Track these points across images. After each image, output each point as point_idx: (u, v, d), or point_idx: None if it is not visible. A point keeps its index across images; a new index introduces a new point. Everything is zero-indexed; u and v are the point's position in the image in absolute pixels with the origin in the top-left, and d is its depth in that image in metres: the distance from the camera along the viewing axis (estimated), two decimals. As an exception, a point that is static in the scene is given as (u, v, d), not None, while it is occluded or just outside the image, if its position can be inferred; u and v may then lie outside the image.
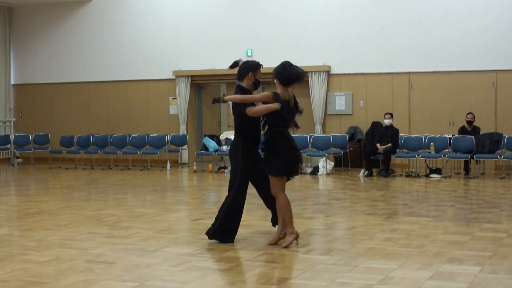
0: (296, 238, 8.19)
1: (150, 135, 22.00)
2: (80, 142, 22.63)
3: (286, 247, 8.00)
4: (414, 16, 20.24)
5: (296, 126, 8.80)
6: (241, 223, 8.66)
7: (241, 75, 8.92)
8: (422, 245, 8.06)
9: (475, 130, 18.51)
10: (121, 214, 10.99)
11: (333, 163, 19.44)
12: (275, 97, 8.37)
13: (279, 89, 8.56)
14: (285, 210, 8.24)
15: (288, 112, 8.47)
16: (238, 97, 8.52)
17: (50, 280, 6.46)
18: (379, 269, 6.89)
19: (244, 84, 8.85)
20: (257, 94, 8.59)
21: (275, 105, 8.29)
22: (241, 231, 9.07)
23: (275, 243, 8.19)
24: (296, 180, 17.39)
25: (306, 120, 21.64)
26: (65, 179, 18.14)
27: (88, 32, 24.11)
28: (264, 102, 8.42)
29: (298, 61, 21.35)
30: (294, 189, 15.58)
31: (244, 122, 8.54)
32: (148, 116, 23.40)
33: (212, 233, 8.36)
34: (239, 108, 8.50)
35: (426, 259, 7.29)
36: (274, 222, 8.78)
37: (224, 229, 8.34)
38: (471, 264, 7.03)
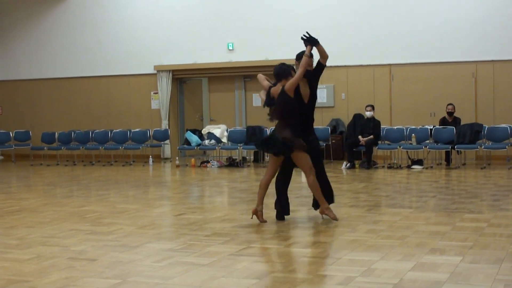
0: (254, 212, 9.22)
1: (132, 130, 21.95)
2: (62, 138, 22.55)
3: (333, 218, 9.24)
4: (394, 7, 20.28)
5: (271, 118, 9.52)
6: (223, 217, 8.97)
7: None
8: (404, 236, 8.08)
9: (455, 121, 18.59)
10: (103, 210, 10.95)
11: (314, 156, 19.44)
12: (268, 91, 9.47)
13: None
14: (317, 188, 9.31)
15: (269, 105, 9.39)
16: (260, 79, 9.85)
17: (32, 278, 6.43)
18: (362, 261, 6.90)
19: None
20: (265, 82, 9.70)
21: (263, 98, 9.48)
22: (224, 225, 9.09)
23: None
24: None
25: (288, 113, 21.66)
26: (46, 176, 18.06)
27: (69, 27, 23.99)
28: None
29: (280, 54, 21.51)
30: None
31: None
32: (129, 111, 23.34)
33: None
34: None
35: (408, 250, 7.30)
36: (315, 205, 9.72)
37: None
38: (452, 254, 7.05)
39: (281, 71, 9.43)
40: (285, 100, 9.19)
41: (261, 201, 9.28)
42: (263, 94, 9.55)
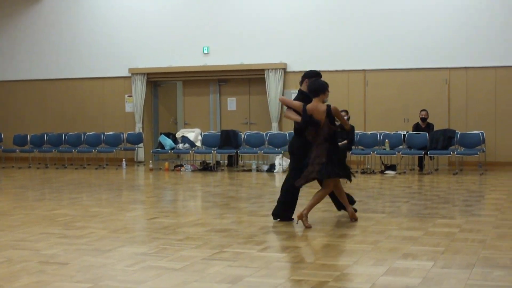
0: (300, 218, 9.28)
1: (105, 133, 21.87)
2: (34, 140, 22.39)
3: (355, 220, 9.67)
4: (369, 14, 20.36)
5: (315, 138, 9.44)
6: (196, 222, 9.21)
7: (301, 82, 9.90)
8: (376, 241, 8.10)
9: (428, 127, 18.70)
10: (76, 213, 10.88)
11: (289, 160, 19.43)
12: (303, 115, 9.34)
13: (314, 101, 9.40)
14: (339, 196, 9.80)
15: (313, 126, 9.31)
16: (284, 99, 10.16)
17: (2, 283, 6.36)
18: (334, 266, 6.91)
19: (303, 88, 9.78)
20: (295, 102, 9.59)
21: (298, 119, 9.40)
22: (197, 230, 9.06)
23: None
24: (253, 178, 17.42)
25: (263, 117, 21.70)
26: (18, 178, 17.93)
27: (44, 29, 23.85)
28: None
29: (255, 59, 21.55)
30: (250, 186, 15.59)
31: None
32: (103, 114, 23.23)
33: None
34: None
35: (381, 255, 7.32)
36: (339, 206, 10.21)
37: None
38: (424, 259, 7.07)
39: (320, 87, 9.38)
40: (332, 122, 9.34)
41: (310, 208, 9.38)
42: (292, 114, 9.52)
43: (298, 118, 9.39)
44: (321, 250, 7.79)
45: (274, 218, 9.85)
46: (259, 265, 6.95)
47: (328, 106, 9.30)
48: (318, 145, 9.27)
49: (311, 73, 9.88)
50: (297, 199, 9.94)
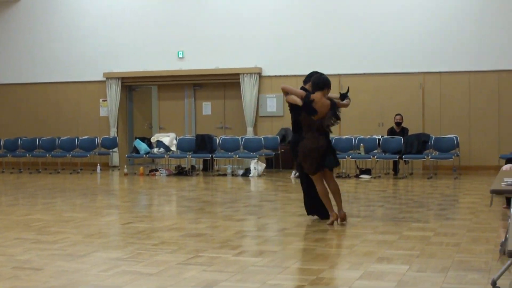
0: (334, 219, 9.71)
1: (80, 138, 21.74)
2: (8, 145, 22.22)
3: (329, 225, 9.64)
4: (343, 18, 20.43)
5: (321, 128, 9.67)
6: (171, 226, 9.28)
7: (305, 81, 10.18)
8: (352, 245, 8.11)
9: (403, 131, 18.78)
10: (50, 219, 10.81)
11: (265, 165, 19.46)
12: (305, 96, 9.55)
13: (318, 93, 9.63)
14: (322, 199, 9.83)
15: (309, 111, 9.49)
16: (287, 87, 9.95)
17: (-25, 288, 6.31)
18: (310, 270, 6.90)
19: (307, 87, 10.04)
20: (296, 89, 9.94)
21: (299, 101, 9.53)
22: (172, 234, 9.03)
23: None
24: (228, 182, 17.39)
25: (238, 122, 21.69)
26: (-8, 183, 17.81)
27: (16, 32, 23.70)
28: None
29: (230, 63, 21.55)
30: (226, 191, 15.57)
31: (297, 119, 9.89)
32: (78, 119, 23.11)
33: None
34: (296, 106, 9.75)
35: (356, 259, 7.33)
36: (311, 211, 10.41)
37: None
38: (399, 263, 7.09)
39: (326, 81, 9.68)
40: (335, 114, 9.66)
41: (332, 207, 9.85)
42: (294, 97, 9.67)
43: (299, 101, 9.54)
44: (297, 254, 7.79)
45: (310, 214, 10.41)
46: (234, 269, 6.93)
47: (332, 100, 9.73)
48: (316, 135, 9.61)
49: (317, 73, 10.13)
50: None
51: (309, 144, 9.52)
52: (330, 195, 9.95)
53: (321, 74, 9.94)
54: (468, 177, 17.48)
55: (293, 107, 9.92)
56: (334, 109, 9.64)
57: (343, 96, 10.20)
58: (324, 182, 9.84)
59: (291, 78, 20.31)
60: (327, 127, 9.58)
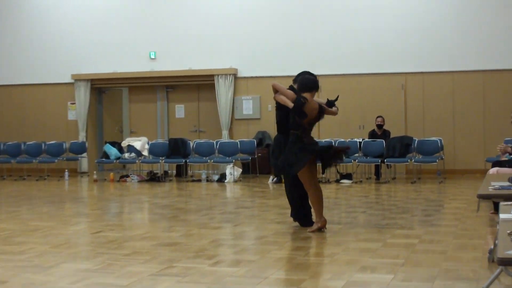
0: (322, 226, 9.60)
1: (46, 143, 21.58)
2: (-30, 151, 22.04)
3: (311, 232, 9.55)
4: (322, 17, 20.44)
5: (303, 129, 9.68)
6: (144, 235, 9.25)
7: (295, 80, 10.14)
8: (333, 254, 8.07)
9: (385, 134, 18.80)
10: (15, 228, 10.68)
11: (241, 170, 19.42)
12: (296, 98, 9.52)
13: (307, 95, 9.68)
14: (312, 203, 9.77)
15: (299, 115, 9.47)
16: (278, 85, 9.82)
17: None
18: (290, 280, 6.85)
19: (296, 87, 9.99)
20: (287, 90, 9.80)
21: (290, 104, 9.48)
22: (144, 244, 8.95)
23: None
24: (203, 188, 17.33)
25: (213, 125, 21.64)
26: (-46, 191, 17.64)
27: (-21, 33, 23.52)
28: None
29: (204, 64, 21.45)
30: (200, 197, 15.51)
31: (283, 119, 9.93)
32: (45, 123, 22.95)
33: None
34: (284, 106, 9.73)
35: (338, 268, 7.29)
36: (294, 217, 10.31)
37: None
38: (383, 272, 7.05)
39: (314, 83, 9.81)
40: (319, 119, 9.90)
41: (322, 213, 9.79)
42: (284, 97, 9.65)
43: (289, 103, 9.50)
44: (276, 263, 7.73)
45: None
46: (210, 280, 6.87)
47: (321, 104, 9.81)
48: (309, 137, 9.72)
49: (308, 73, 10.23)
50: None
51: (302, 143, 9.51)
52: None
53: (309, 74, 10.02)
54: (453, 182, 17.53)
55: (280, 106, 9.90)
56: (322, 112, 9.76)
57: (331, 103, 10.17)
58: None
59: (267, 79, 20.25)
60: (335, 166, 10.10)
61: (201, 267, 7.48)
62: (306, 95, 9.58)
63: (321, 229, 9.59)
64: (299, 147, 9.47)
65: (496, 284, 6.13)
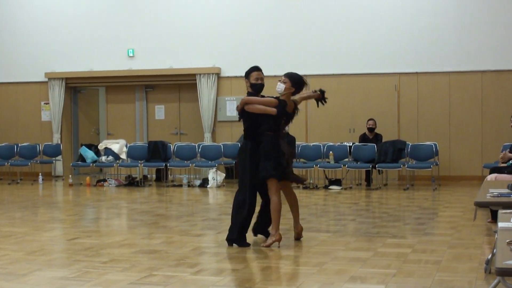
0: (278, 240, 9.23)
1: (19, 145, 21.54)
2: None
3: (266, 246, 9.22)
4: (310, 16, 20.49)
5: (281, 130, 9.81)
6: (122, 242, 9.36)
7: (248, 76, 10.03)
8: (321, 263, 8.12)
9: (376, 138, 18.87)
10: (-14, 234, 10.72)
11: (224, 175, 19.44)
12: (279, 103, 9.55)
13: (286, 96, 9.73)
14: (274, 212, 9.32)
15: (285, 116, 9.68)
16: (245, 99, 9.69)
17: None
18: (276, 290, 6.92)
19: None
20: (264, 98, 9.75)
21: (272, 110, 9.47)
22: (123, 251, 9.00)
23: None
24: (184, 194, 17.36)
25: (194, 127, 21.67)
26: None
27: None
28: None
29: (185, 63, 21.45)
30: (182, 203, 15.54)
31: (252, 124, 9.65)
32: (17, 124, 22.92)
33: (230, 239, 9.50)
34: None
35: (326, 278, 7.35)
36: (255, 231, 9.96)
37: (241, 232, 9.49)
38: (374, 283, 7.12)
39: (303, 81, 9.95)
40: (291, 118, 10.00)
41: (279, 226, 9.46)
42: (268, 108, 9.56)
43: (270, 110, 9.47)
44: (261, 273, 7.79)
45: (229, 244, 9.52)
46: (193, 290, 6.93)
47: (296, 103, 9.89)
48: (282, 141, 9.64)
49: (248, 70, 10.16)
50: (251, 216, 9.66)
51: (277, 148, 9.49)
52: (284, 210, 9.93)
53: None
54: (448, 189, 17.62)
55: (249, 113, 9.67)
56: (295, 111, 9.92)
57: (322, 92, 10.29)
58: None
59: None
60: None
61: (183, 276, 7.54)
62: (286, 95, 9.69)
63: (277, 242, 9.28)
64: (277, 151, 9.45)
65: (491, 295, 6.21)
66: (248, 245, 9.37)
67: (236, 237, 9.42)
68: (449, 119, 19.60)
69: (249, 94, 9.83)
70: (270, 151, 9.41)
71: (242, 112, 9.71)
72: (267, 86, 10.02)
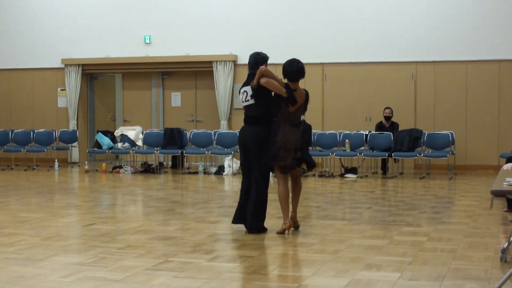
0: (287, 228, 9.27)
1: (35, 131, 21.61)
2: (-44, 139, 22.07)
3: (277, 233, 9.33)
4: (328, 3, 20.44)
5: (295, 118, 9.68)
6: (138, 228, 9.49)
7: (257, 65, 9.82)
8: (337, 251, 8.14)
9: (393, 126, 18.82)
10: (3, 219, 10.75)
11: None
12: (287, 87, 9.52)
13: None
14: (280, 200, 9.43)
15: (292, 102, 9.49)
16: (262, 69, 9.61)
17: None
18: (291, 277, 6.93)
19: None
20: (277, 77, 9.67)
21: (283, 90, 9.42)
22: (139, 237, 9.03)
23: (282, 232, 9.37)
24: (200, 181, 17.39)
25: (211, 115, 21.66)
26: None
27: (-35, 14, 23.54)
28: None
29: (202, 50, 21.38)
30: (197, 190, 15.58)
31: (269, 110, 9.59)
32: (33, 110, 22.99)
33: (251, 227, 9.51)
34: (266, 94, 9.59)
35: (342, 266, 7.36)
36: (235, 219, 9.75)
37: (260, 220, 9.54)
38: (389, 271, 7.12)
39: (302, 70, 9.72)
40: (305, 108, 9.91)
41: (288, 214, 9.48)
42: (275, 83, 9.52)
43: (283, 90, 9.43)
44: (277, 260, 7.80)
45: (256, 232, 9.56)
46: (208, 276, 6.94)
47: (307, 91, 9.83)
48: (291, 128, 9.44)
49: (259, 54, 10.11)
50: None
51: (290, 138, 9.44)
52: (301, 198, 9.99)
53: (297, 61, 9.80)
54: (464, 178, 17.59)
55: (260, 94, 9.59)
56: (307, 99, 9.83)
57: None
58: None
59: (269, 67, 20.24)
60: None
61: (199, 262, 7.56)
62: (293, 83, 9.64)
63: (283, 232, 9.32)
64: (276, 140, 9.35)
65: (508, 284, 6.20)
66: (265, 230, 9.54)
67: (261, 225, 9.55)
68: (465, 108, 19.53)
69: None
70: (272, 140, 9.39)
71: (258, 89, 9.56)
72: (279, 73, 9.97)
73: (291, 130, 9.39)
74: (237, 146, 19.26)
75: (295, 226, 9.69)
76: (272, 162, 9.34)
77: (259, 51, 10.13)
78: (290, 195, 9.62)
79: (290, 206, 9.60)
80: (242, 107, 9.86)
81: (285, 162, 9.29)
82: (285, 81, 9.68)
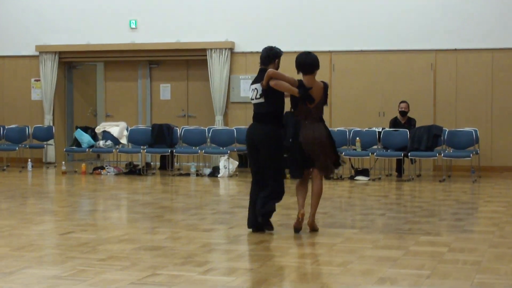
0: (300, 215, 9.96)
1: (6, 127, 21.60)
2: None
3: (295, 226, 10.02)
4: (336, -18, 20.45)
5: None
6: (122, 237, 9.49)
7: (269, 61, 10.22)
8: (346, 262, 8.14)
9: (409, 123, 18.81)
10: (-31, 226, 10.78)
11: (237, 163, 19.43)
12: (299, 84, 9.87)
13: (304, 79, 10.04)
14: (296, 194, 10.30)
15: (309, 100, 9.90)
16: (270, 71, 9.95)
17: None
18: (294, 293, 6.94)
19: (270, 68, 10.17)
20: (289, 76, 9.99)
21: (295, 90, 9.83)
22: (123, 247, 9.03)
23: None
24: (192, 184, 17.40)
25: (204, 109, 21.67)
26: None
27: None
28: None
29: (194, 36, 21.38)
30: (189, 194, 15.59)
31: (281, 108, 10.17)
32: (3, 103, 22.99)
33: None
34: (276, 92, 10.03)
35: (352, 279, 7.36)
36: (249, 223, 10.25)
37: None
38: (405, 285, 7.13)
39: (316, 61, 10.04)
40: (325, 101, 10.22)
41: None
42: (286, 83, 9.87)
43: (295, 90, 9.81)
44: (278, 273, 7.80)
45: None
46: (201, 291, 6.95)
47: (325, 83, 10.12)
48: (315, 125, 9.92)
49: (279, 51, 10.34)
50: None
51: (312, 134, 9.82)
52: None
53: (307, 53, 10.17)
54: (489, 181, 17.60)
55: (271, 94, 10.05)
56: (326, 92, 10.03)
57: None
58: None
59: (271, 55, 20.30)
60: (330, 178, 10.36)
61: (190, 276, 7.56)
62: (308, 76, 9.94)
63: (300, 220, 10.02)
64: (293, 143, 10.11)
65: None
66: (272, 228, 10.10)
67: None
68: (491, 102, 19.54)
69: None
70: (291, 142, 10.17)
71: (267, 90, 9.98)
72: (287, 62, 10.05)
73: (314, 127, 9.95)
74: (234, 145, 19.47)
75: (313, 229, 10.12)
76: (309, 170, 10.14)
77: (273, 45, 10.44)
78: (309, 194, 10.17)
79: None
80: (252, 104, 10.23)
81: (326, 168, 10.05)
82: (300, 76, 9.99)
